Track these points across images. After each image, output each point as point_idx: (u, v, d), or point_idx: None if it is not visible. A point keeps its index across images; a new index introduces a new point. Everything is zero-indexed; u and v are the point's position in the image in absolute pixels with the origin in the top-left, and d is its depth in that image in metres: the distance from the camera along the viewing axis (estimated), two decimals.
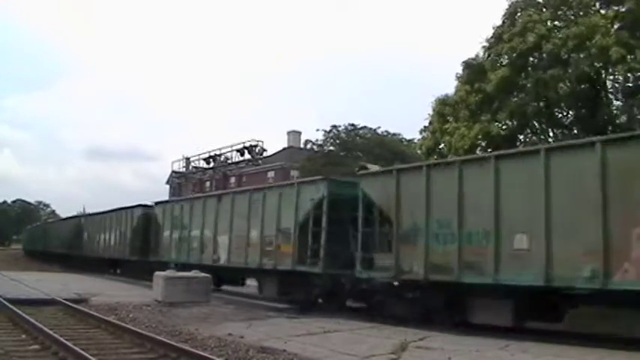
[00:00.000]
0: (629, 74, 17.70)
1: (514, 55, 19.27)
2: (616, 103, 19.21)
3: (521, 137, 20.59)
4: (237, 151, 36.11)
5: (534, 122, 20.37)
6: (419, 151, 25.24)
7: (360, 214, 12.00)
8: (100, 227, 28.11)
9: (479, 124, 19.42)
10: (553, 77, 17.87)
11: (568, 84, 18.34)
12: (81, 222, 32.61)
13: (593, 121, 18.02)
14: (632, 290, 7.86)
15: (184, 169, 43.79)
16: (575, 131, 19.36)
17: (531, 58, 19.50)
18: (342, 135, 39.46)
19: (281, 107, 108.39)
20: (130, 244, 23.43)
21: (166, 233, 20.28)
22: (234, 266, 16.05)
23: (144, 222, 22.73)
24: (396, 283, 11.56)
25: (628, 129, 15.68)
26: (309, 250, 13.01)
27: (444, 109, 21.51)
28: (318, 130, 42.36)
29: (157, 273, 15.06)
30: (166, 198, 38.55)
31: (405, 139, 39.83)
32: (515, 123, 19.87)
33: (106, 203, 75.94)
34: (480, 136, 19.39)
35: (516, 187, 9.48)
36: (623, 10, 17.47)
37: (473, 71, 20.72)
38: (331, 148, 39.57)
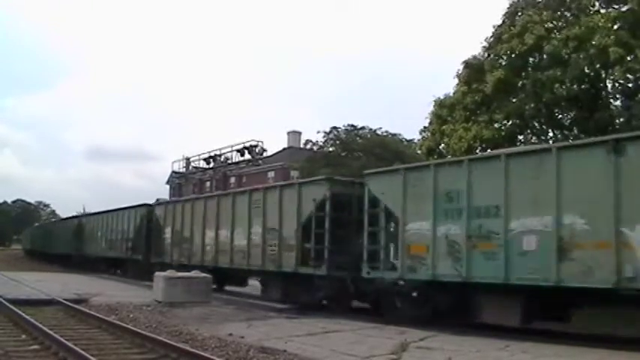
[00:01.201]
0: (628, 75, 17.69)
1: (512, 56, 19.30)
2: (616, 103, 19.21)
3: (521, 138, 20.58)
4: (238, 151, 36.13)
5: (534, 123, 20.38)
6: (419, 152, 25.24)
7: None
8: (198, 221, 18.58)
9: (476, 125, 19.45)
10: (550, 78, 17.89)
11: (567, 85, 18.33)
12: (154, 214, 22.50)
13: (592, 122, 18.02)
14: None
15: (184, 169, 43.81)
16: (576, 132, 19.37)
17: (531, 59, 19.52)
18: (342, 136, 39.42)
19: (281, 107, 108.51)
20: (297, 246, 13.82)
21: (415, 226, 11.20)
22: None
23: (336, 207, 13.12)
24: None
25: (628, 130, 15.67)
26: None
27: (441, 110, 21.52)
28: (318, 132, 42.23)
29: (157, 273, 15.08)
30: (166, 198, 38.55)
31: (406, 139, 39.78)
32: (512, 124, 19.88)
33: (106, 203, 75.88)
34: (476, 139, 19.40)
35: None
36: (625, 9, 17.48)
37: (473, 71, 20.72)
38: (331, 148, 39.53)
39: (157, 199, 26.65)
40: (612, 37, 16.43)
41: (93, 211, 35.11)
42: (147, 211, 23.42)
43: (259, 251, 15.19)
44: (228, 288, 18.19)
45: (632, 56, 16.58)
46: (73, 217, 35.20)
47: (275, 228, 14.73)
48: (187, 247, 19.15)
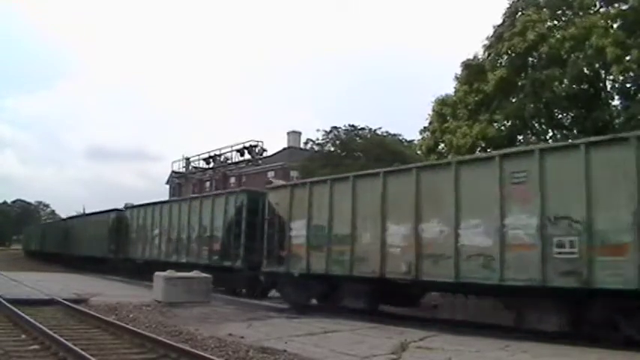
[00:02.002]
0: (625, 74, 17.70)
1: (513, 54, 19.32)
2: (615, 103, 19.23)
3: (520, 138, 20.59)
4: (237, 151, 36.09)
5: (534, 123, 20.39)
6: (419, 152, 25.23)
7: None
8: (366, 210, 12.32)
9: (478, 123, 19.48)
10: (549, 77, 17.92)
11: (566, 84, 18.35)
12: (266, 202, 15.61)
13: (590, 121, 18.05)
14: None
15: (184, 169, 43.78)
16: (575, 132, 19.37)
17: (530, 59, 19.54)
18: (342, 135, 39.46)
19: (281, 107, 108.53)
20: None
21: None
22: None
23: None
24: None
25: (629, 129, 15.67)
26: None
27: (443, 109, 21.54)
28: (318, 130, 42.23)
29: (157, 273, 15.05)
30: (166, 198, 38.49)
31: (406, 139, 39.79)
32: (512, 124, 19.90)
33: (107, 203, 75.72)
34: (478, 137, 19.42)
35: None
36: (625, 8, 17.47)
37: (472, 72, 20.76)
38: (331, 148, 39.55)
39: (270, 181, 18.24)
40: (610, 37, 16.44)
41: (91, 210, 33.86)
42: (248, 199, 16.80)
43: (533, 255, 9.38)
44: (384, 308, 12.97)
45: (629, 56, 16.59)
46: (111, 210, 28.04)
47: (569, 217, 9.07)
48: (344, 250, 12.61)
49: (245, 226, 16.57)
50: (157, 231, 21.82)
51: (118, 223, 26.05)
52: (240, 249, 16.56)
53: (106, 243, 26.43)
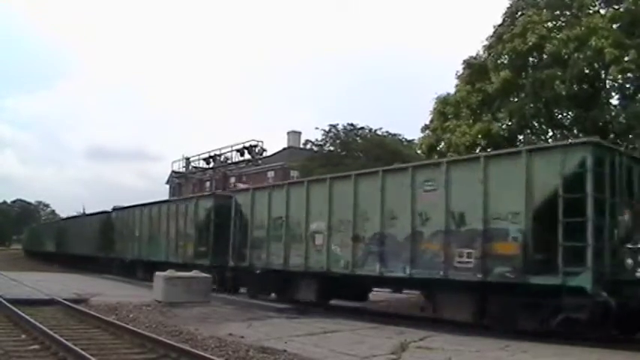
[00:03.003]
0: (624, 75, 17.70)
1: (514, 55, 19.33)
2: (615, 103, 19.23)
3: (520, 137, 20.59)
4: (237, 151, 36.05)
5: (534, 122, 20.40)
6: (419, 151, 25.19)
7: None
8: None
9: (480, 122, 19.49)
10: (549, 77, 17.93)
11: (566, 84, 18.35)
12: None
13: (589, 121, 18.06)
14: None
15: (184, 169, 43.76)
16: (575, 131, 19.38)
17: (531, 59, 19.54)
18: (341, 134, 39.47)
19: (281, 107, 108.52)
20: None
21: None
22: None
23: None
24: None
25: (627, 129, 15.69)
26: None
27: (444, 108, 21.55)
28: (317, 128, 42.18)
29: (158, 273, 15.05)
30: (166, 198, 38.46)
31: (406, 139, 39.79)
32: (514, 123, 19.91)
33: (106, 203, 75.61)
34: (480, 135, 19.42)
35: None
36: (622, 9, 17.49)
37: (474, 71, 20.76)
38: (331, 148, 39.55)
39: None
40: (609, 39, 16.45)
41: (91, 210, 33.14)
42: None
43: None
44: None
45: (628, 57, 16.60)
46: (207, 195, 21.18)
47: None
48: None
49: None
50: (315, 225, 12.99)
51: (219, 213, 17.92)
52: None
53: (192, 243, 19.21)
